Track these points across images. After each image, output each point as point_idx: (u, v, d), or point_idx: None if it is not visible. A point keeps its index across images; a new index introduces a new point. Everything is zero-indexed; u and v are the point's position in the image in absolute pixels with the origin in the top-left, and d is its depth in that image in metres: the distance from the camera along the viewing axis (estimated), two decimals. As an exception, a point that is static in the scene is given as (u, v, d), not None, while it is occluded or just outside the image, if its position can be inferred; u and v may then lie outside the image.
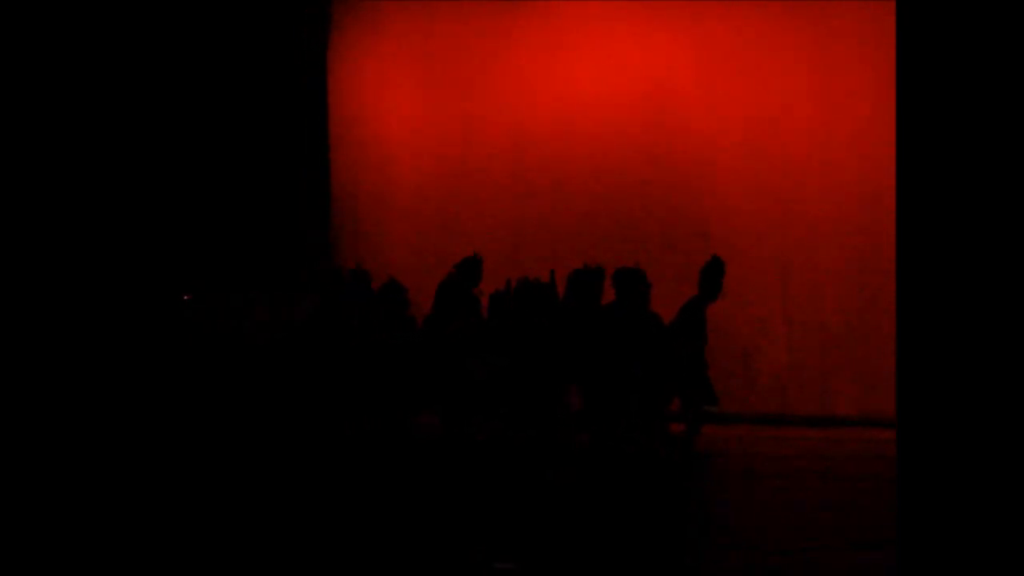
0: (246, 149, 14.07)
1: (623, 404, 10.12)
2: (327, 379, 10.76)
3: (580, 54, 13.32)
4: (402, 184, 14.15)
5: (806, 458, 10.34)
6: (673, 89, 12.99)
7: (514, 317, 10.55)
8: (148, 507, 7.98)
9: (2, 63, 10.89)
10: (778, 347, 12.54)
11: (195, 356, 11.25)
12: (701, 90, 12.88)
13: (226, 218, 13.88)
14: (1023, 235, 5.24)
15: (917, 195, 5.38)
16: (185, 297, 11.72)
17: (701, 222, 12.86)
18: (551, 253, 13.02)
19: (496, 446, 10.37)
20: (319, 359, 10.78)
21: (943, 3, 5.36)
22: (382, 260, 12.84)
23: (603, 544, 7.15)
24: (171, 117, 13.70)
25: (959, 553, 5.19)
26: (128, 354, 11.49)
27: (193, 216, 13.73)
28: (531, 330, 10.44)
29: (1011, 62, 5.27)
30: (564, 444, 10.34)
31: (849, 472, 9.78)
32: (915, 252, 5.38)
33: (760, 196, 12.73)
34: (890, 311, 11.63)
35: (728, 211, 12.79)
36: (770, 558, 6.86)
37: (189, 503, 8.14)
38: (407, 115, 14.14)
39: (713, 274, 10.33)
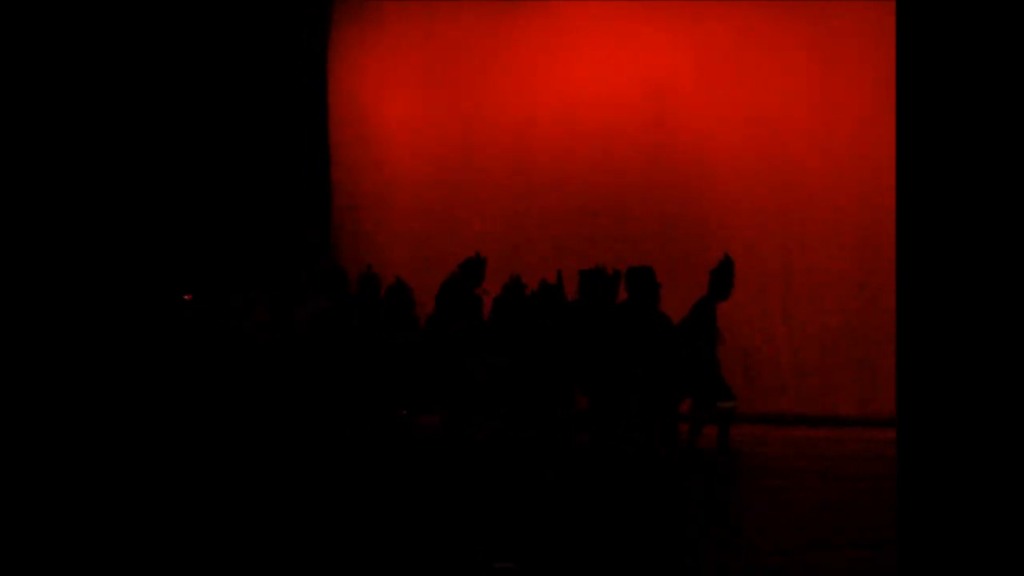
0: (246, 149, 14.07)
1: (623, 404, 10.11)
2: (328, 379, 10.76)
3: (581, 54, 13.33)
4: (402, 184, 14.16)
5: (806, 458, 10.34)
6: (673, 89, 13.00)
7: (517, 317, 10.55)
8: (148, 507, 7.99)
9: (2, 63, 10.89)
10: (778, 347, 12.54)
11: (196, 356, 11.24)
12: (701, 90, 12.89)
13: (226, 218, 13.88)
14: (1023, 235, 5.24)
15: (917, 195, 5.38)
16: (186, 297, 11.72)
17: (701, 221, 12.87)
18: (552, 252, 13.04)
19: (496, 446, 10.36)
20: (320, 359, 10.78)
21: (943, 3, 5.36)
22: (382, 260, 12.85)
23: (603, 544, 7.15)
24: (171, 117, 13.70)
25: (959, 553, 5.19)
26: (129, 354, 11.49)
27: (193, 216, 13.73)
28: (534, 330, 10.44)
29: (1011, 62, 5.27)
30: (564, 444, 10.34)
31: (849, 472, 9.78)
32: (915, 252, 5.38)
33: (760, 196, 12.74)
34: (890, 311, 11.63)
35: (728, 210, 12.80)
36: (770, 558, 6.85)
37: (189, 503, 8.15)
38: (407, 115, 14.15)
39: (723, 274, 10.33)
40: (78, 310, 11.88)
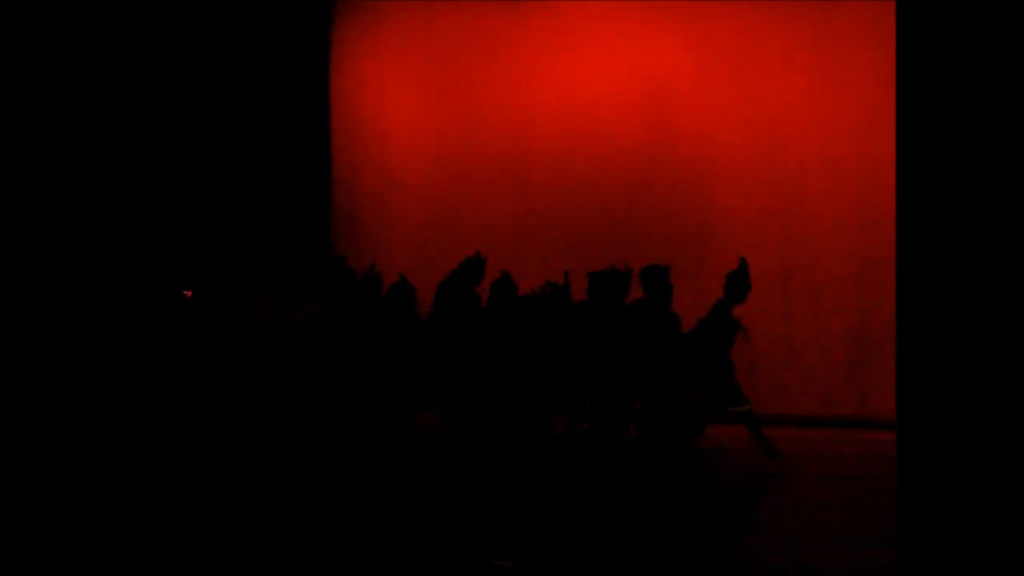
0: (247, 149, 14.08)
1: (626, 404, 10.11)
2: (328, 379, 10.76)
3: (581, 54, 13.34)
4: (403, 184, 14.17)
5: (806, 458, 10.34)
6: (673, 89, 13.00)
7: (511, 314, 10.55)
8: (148, 506, 7.99)
9: (4, 63, 10.90)
10: (778, 347, 12.53)
11: (195, 355, 11.24)
12: (701, 90, 12.89)
13: (227, 217, 13.89)
14: (1023, 235, 5.24)
15: (917, 195, 5.38)
16: (186, 293, 11.72)
17: (701, 222, 12.87)
18: (552, 252, 13.04)
19: (496, 446, 10.37)
20: (321, 359, 10.78)
21: (943, 3, 5.36)
22: (382, 260, 12.84)
23: (602, 544, 7.15)
24: (173, 117, 13.71)
25: (959, 553, 5.19)
26: (128, 353, 11.49)
27: (194, 215, 13.73)
28: (537, 331, 10.44)
29: (1011, 62, 5.28)
30: (565, 444, 10.34)
31: (849, 472, 9.78)
32: (915, 252, 5.38)
33: (760, 196, 12.74)
34: (889, 311, 11.64)
35: (728, 211, 12.80)
36: (771, 558, 6.85)
37: (189, 502, 8.15)
38: (408, 115, 14.15)
39: (739, 277, 10.31)
40: (78, 308, 11.88)
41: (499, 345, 10.54)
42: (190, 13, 13.69)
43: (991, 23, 5.29)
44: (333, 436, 10.72)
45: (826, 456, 10.54)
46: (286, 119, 14.21)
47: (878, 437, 11.02)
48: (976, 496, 5.21)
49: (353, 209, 14.38)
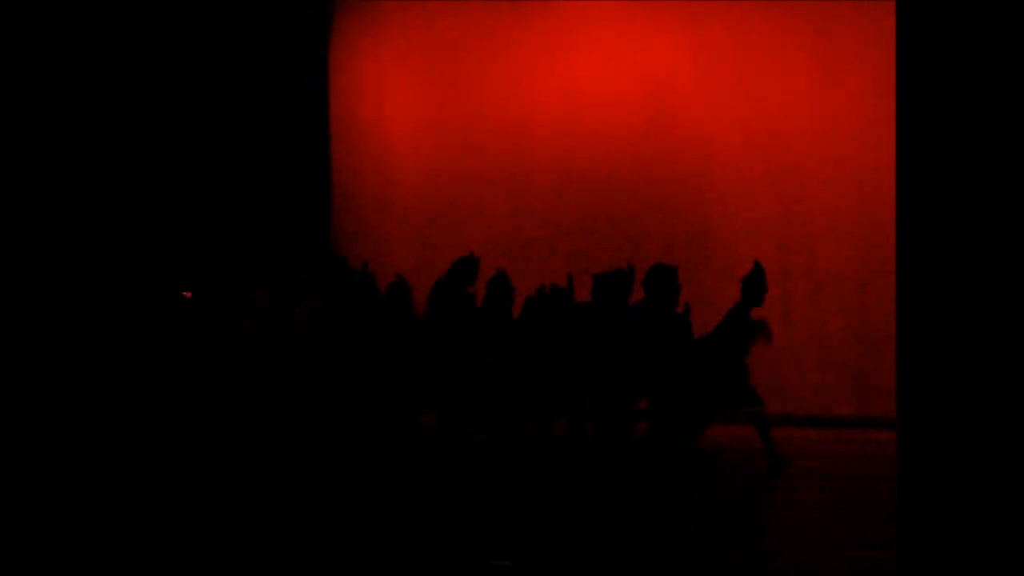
0: (247, 149, 14.07)
1: (627, 405, 10.11)
2: (328, 378, 10.76)
3: (580, 54, 13.34)
4: (403, 184, 14.17)
5: (805, 458, 10.34)
6: (673, 89, 13.00)
7: (508, 312, 10.55)
8: (148, 506, 7.99)
9: (3, 63, 10.89)
10: (777, 347, 12.52)
11: (195, 355, 11.24)
12: (701, 90, 12.89)
13: (226, 218, 13.88)
14: (1023, 235, 5.24)
15: (917, 195, 5.38)
16: (185, 294, 11.72)
17: (701, 222, 12.87)
18: (552, 252, 13.05)
19: (496, 446, 10.37)
20: (321, 359, 10.78)
21: (943, 3, 5.36)
22: (382, 260, 12.85)
23: (601, 543, 7.15)
24: (172, 117, 13.70)
25: (959, 553, 5.20)
26: (127, 353, 11.49)
27: (194, 216, 13.73)
28: (538, 332, 10.44)
29: (1011, 62, 5.28)
30: (565, 444, 10.34)
31: (849, 472, 9.79)
32: (915, 252, 5.38)
33: (760, 196, 12.74)
34: (889, 311, 11.64)
35: (728, 211, 12.80)
36: (770, 558, 6.86)
37: (188, 502, 8.15)
38: (408, 115, 14.16)
39: (755, 281, 10.28)
40: (78, 309, 11.88)
41: (498, 345, 10.53)
42: (189, 13, 13.69)
43: (991, 23, 5.29)
44: (333, 436, 10.72)
45: (826, 456, 10.55)
46: (285, 119, 14.21)
47: (877, 437, 11.03)
48: (976, 496, 5.21)
49: (353, 209, 14.38)
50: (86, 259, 12.49)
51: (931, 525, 5.24)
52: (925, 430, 5.33)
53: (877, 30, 11.91)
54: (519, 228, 13.52)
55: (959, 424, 5.28)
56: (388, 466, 9.75)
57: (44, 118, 12.08)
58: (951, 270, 5.31)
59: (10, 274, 10.52)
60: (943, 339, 5.31)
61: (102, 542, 7.02)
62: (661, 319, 10.10)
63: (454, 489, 8.80)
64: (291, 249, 13.66)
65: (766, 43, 12.70)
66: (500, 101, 13.66)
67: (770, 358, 12.42)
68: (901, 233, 5.44)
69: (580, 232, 13.18)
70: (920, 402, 5.34)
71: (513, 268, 11.14)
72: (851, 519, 7.88)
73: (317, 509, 8.00)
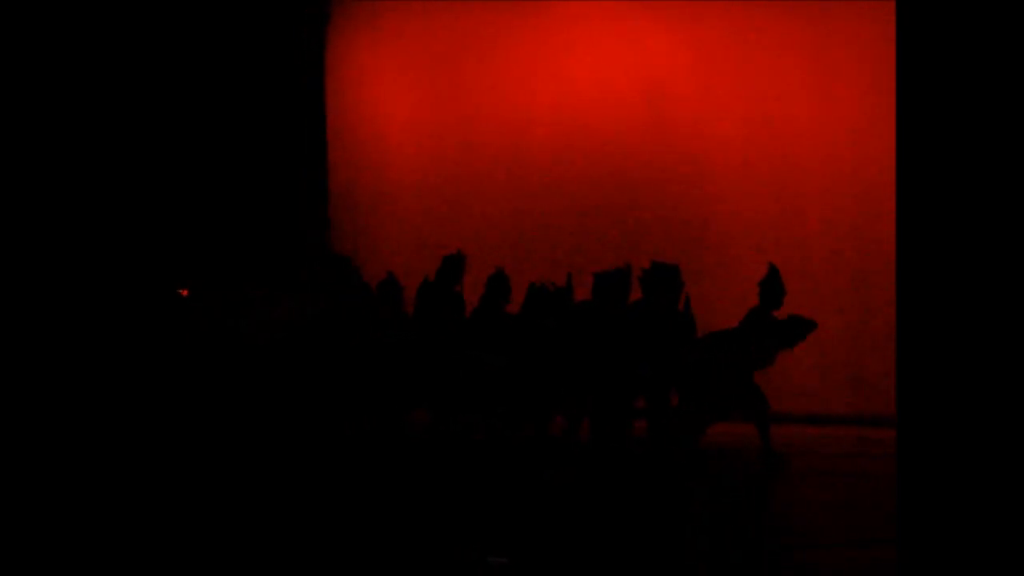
0: (244, 148, 14.08)
1: (626, 404, 10.12)
2: (328, 378, 10.76)
3: (578, 54, 13.35)
4: (400, 183, 14.18)
5: (804, 456, 10.36)
6: (670, 88, 13.02)
7: (505, 311, 10.56)
8: (147, 506, 7.99)
9: (1, 62, 10.90)
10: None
11: (193, 355, 11.24)
12: (698, 89, 12.91)
13: (223, 217, 13.88)
14: (1023, 235, 5.26)
15: (917, 195, 5.40)
16: (182, 293, 11.72)
17: (698, 221, 12.89)
18: (549, 252, 13.07)
19: (494, 445, 10.37)
20: (321, 358, 10.78)
21: (943, 3, 5.37)
22: (381, 259, 12.86)
23: (600, 542, 7.16)
24: (170, 117, 13.70)
25: (959, 552, 5.21)
26: (125, 352, 11.49)
27: (191, 214, 13.73)
28: (536, 331, 10.45)
29: (1011, 62, 5.29)
30: (563, 444, 10.35)
31: (848, 470, 9.80)
32: (915, 252, 5.40)
33: (757, 195, 12.76)
34: (886, 309, 11.66)
35: (725, 210, 12.82)
36: (770, 557, 6.87)
37: (187, 502, 8.15)
38: (405, 114, 14.17)
39: (772, 283, 10.27)
40: (76, 308, 11.88)
41: (496, 343, 10.54)
42: (186, 12, 13.69)
43: (991, 23, 5.31)
44: (333, 435, 10.72)
45: (825, 454, 10.56)
46: (283, 118, 14.21)
47: (875, 435, 11.05)
48: (976, 495, 5.23)
49: (350, 208, 14.39)
50: (83, 258, 12.49)
51: (931, 523, 5.26)
52: (925, 428, 5.34)
53: (875, 29, 11.92)
54: (517, 227, 13.53)
55: (959, 422, 5.29)
56: (386, 465, 9.76)
57: (43, 118, 12.08)
58: (951, 268, 5.33)
59: (7, 273, 10.53)
60: (943, 337, 5.33)
61: (101, 542, 7.02)
62: (663, 317, 10.11)
63: (451, 488, 8.80)
64: (288, 248, 13.67)
65: (763, 42, 12.72)
66: (497, 100, 13.68)
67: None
68: (901, 233, 5.46)
69: (579, 231, 13.19)
70: (920, 400, 5.36)
71: (511, 267, 11.15)
72: (851, 517, 7.88)
73: (315, 508, 8.01)
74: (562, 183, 13.38)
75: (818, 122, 12.54)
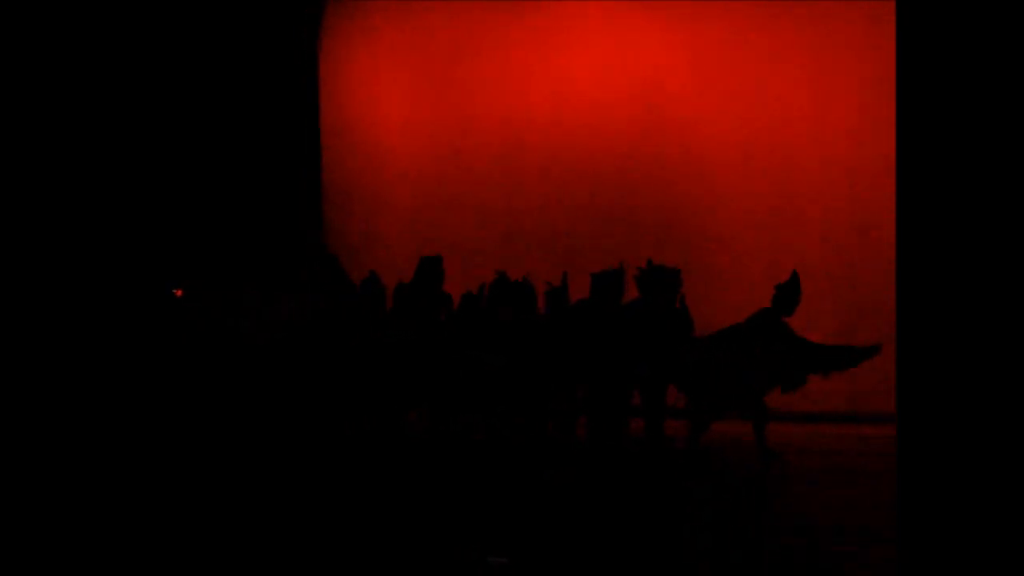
0: (237, 148, 14.06)
1: (624, 403, 10.13)
2: (329, 378, 10.76)
3: (574, 53, 13.35)
4: (394, 182, 14.17)
5: (803, 455, 10.38)
6: (666, 88, 13.03)
7: (511, 313, 10.56)
8: (145, 506, 7.99)
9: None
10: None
11: (190, 354, 11.23)
12: (696, 90, 12.92)
13: (217, 217, 13.87)
14: (1023, 234, 5.27)
15: (917, 194, 5.41)
16: (176, 293, 11.71)
17: (695, 222, 12.90)
18: (545, 252, 13.06)
19: (493, 445, 10.37)
20: (321, 358, 10.78)
21: (943, 3, 5.39)
22: (376, 259, 12.84)
23: (599, 542, 7.17)
24: (162, 116, 13.68)
25: (959, 549, 5.23)
26: (123, 353, 11.48)
27: (184, 214, 13.71)
28: (533, 330, 10.46)
29: (1011, 62, 5.31)
30: (563, 443, 10.35)
31: (845, 468, 9.82)
32: (915, 251, 5.41)
33: (752, 195, 12.77)
34: (883, 310, 11.68)
35: (722, 210, 12.84)
36: (769, 555, 6.88)
37: (186, 502, 8.15)
38: (399, 114, 14.15)
39: (790, 290, 10.26)
40: (71, 307, 11.86)
41: (493, 343, 10.55)
42: (179, 12, 13.67)
43: (991, 23, 5.32)
44: (333, 435, 10.72)
45: (824, 453, 10.58)
46: (276, 117, 14.19)
47: (872, 432, 11.08)
48: (976, 493, 5.24)
49: (345, 208, 14.37)
50: (78, 258, 12.47)
51: (931, 522, 5.27)
52: (925, 427, 5.36)
53: (870, 30, 11.95)
54: (513, 226, 13.53)
55: (959, 421, 5.31)
56: (385, 465, 9.76)
57: (36, 118, 12.06)
58: (951, 268, 5.34)
59: (4, 271, 10.51)
60: (942, 337, 5.34)
61: (100, 542, 7.02)
62: (660, 317, 10.12)
63: (451, 488, 8.81)
64: (282, 248, 13.65)
65: (758, 43, 12.73)
66: (493, 99, 13.67)
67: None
68: (901, 233, 5.47)
69: (574, 231, 13.19)
70: (920, 400, 5.38)
71: (507, 267, 11.15)
72: (851, 516, 7.90)
73: (315, 508, 8.01)
74: (558, 183, 13.38)
75: (816, 122, 12.56)
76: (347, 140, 14.37)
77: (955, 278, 5.33)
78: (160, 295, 11.83)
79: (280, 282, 11.47)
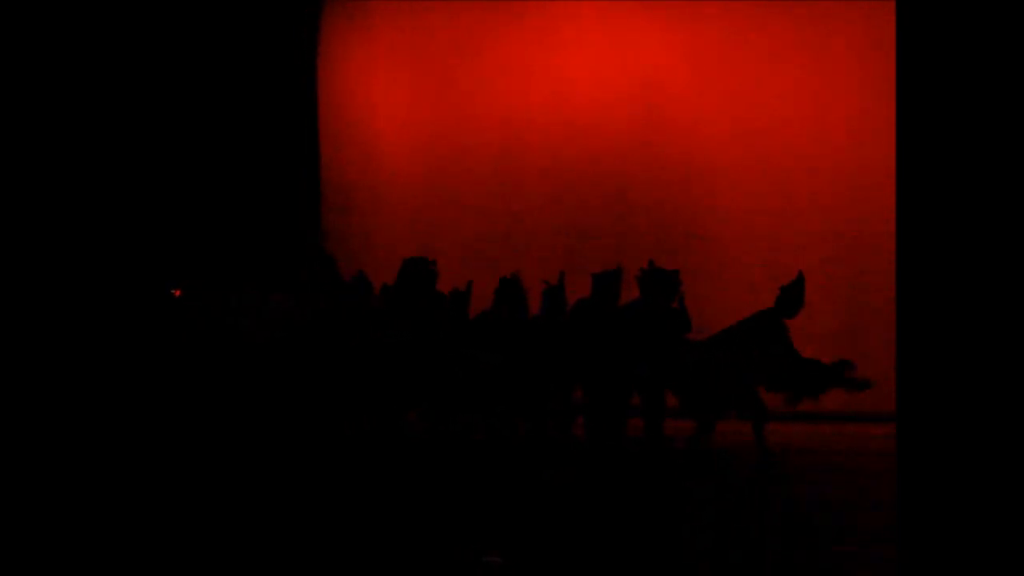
0: (236, 147, 14.04)
1: (623, 403, 10.13)
2: (329, 378, 10.75)
3: (572, 52, 13.35)
4: (393, 182, 14.15)
5: (803, 455, 10.38)
6: (667, 89, 13.03)
7: (513, 314, 10.56)
8: (144, 507, 7.98)
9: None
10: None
11: (190, 354, 11.23)
12: (694, 90, 12.93)
13: (215, 216, 13.85)
14: (1023, 233, 5.27)
15: (917, 194, 5.41)
16: (174, 293, 11.70)
17: (694, 222, 12.90)
18: (543, 251, 13.05)
19: (492, 444, 10.37)
20: (322, 358, 10.77)
21: (943, 3, 5.39)
22: (374, 259, 12.84)
23: (598, 542, 7.17)
24: (160, 117, 13.67)
25: (959, 548, 5.22)
26: (121, 353, 11.48)
27: (183, 214, 13.70)
28: (530, 329, 10.46)
29: (1011, 61, 5.31)
30: (561, 443, 10.35)
31: (846, 468, 9.81)
32: (915, 251, 5.41)
33: (750, 194, 12.77)
34: (881, 309, 11.68)
35: (719, 210, 12.84)
36: (768, 555, 6.88)
37: (186, 502, 8.15)
38: (398, 113, 14.14)
39: (795, 291, 10.25)
40: (70, 307, 11.86)
41: (491, 343, 10.54)
42: (178, 11, 13.66)
43: (991, 23, 5.32)
44: (332, 435, 10.71)
45: (824, 452, 10.58)
46: (275, 117, 14.17)
47: (871, 432, 11.08)
48: (976, 492, 5.24)
49: (343, 208, 14.36)
50: (78, 258, 12.46)
51: (931, 522, 5.27)
52: (925, 427, 5.36)
53: (871, 29, 11.95)
54: (510, 227, 13.53)
55: (959, 420, 5.31)
56: (383, 464, 9.76)
57: (37, 118, 12.06)
58: (951, 268, 5.34)
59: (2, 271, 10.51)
60: (943, 337, 5.34)
61: (99, 542, 7.02)
62: (660, 317, 10.12)
63: (450, 488, 8.81)
64: (281, 248, 13.64)
65: (757, 43, 12.74)
66: (492, 100, 13.67)
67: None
68: (901, 233, 5.47)
69: (572, 230, 13.19)
70: (920, 399, 5.38)
71: (505, 267, 11.15)
72: (850, 516, 7.90)
73: (314, 508, 8.01)
74: (556, 183, 13.38)
75: (811, 121, 12.56)
76: (346, 140, 14.36)
77: (955, 278, 5.33)
78: (159, 295, 11.83)
79: (279, 282, 11.46)
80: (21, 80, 11.65)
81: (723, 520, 7.86)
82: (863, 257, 12.33)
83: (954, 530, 5.23)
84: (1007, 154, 5.30)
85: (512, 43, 13.59)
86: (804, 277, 10.34)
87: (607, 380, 10.10)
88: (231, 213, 13.86)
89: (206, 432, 10.63)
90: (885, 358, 11.10)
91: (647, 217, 13.08)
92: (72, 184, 12.69)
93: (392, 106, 14.18)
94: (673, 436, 10.13)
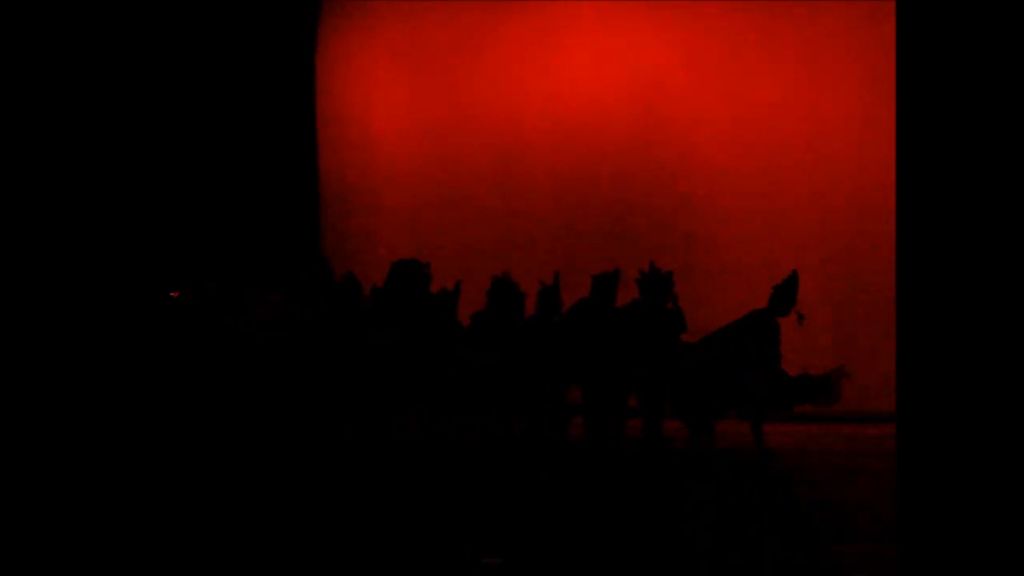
0: (234, 148, 14.04)
1: (621, 404, 10.14)
2: (329, 378, 10.76)
3: (571, 53, 13.35)
4: (391, 183, 14.16)
5: (802, 455, 10.39)
6: (666, 89, 13.03)
7: (507, 314, 10.56)
8: (143, 507, 7.98)
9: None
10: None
11: (190, 354, 11.24)
12: (692, 90, 12.93)
13: (214, 217, 13.86)
14: (1023, 233, 5.27)
15: (917, 194, 5.41)
16: (173, 294, 11.70)
17: (692, 222, 12.90)
18: (542, 251, 13.06)
19: (489, 446, 10.37)
20: (322, 358, 10.78)
21: (943, 3, 5.39)
22: (372, 260, 12.84)
23: (596, 542, 7.17)
24: (158, 116, 13.67)
25: (959, 548, 5.23)
26: (120, 353, 11.48)
27: (181, 215, 13.70)
28: (527, 329, 10.46)
29: (1011, 61, 5.31)
30: (559, 443, 10.35)
31: (846, 468, 9.82)
32: (915, 251, 5.41)
33: (749, 194, 12.78)
34: (880, 309, 11.68)
35: (718, 211, 12.84)
36: (768, 555, 6.88)
37: (185, 502, 8.15)
38: (396, 114, 14.14)
39: (788, 290, 10.26)
40: (69, 308, 11.86)
41: (484, 343, 10.54)
42: (176, 11, 13.66)
43: (991, 23, 5.32)
44: (331, 436, 10.72)
45: (821, 452, 10.59)
46: (273, 118, 14.18)
47: (870, 432, 11.08)
48: (976, 492, 5.24)
49: (342, 209, 14.36)
50: (77, 258, 12.47)
51: (931, 522, 5.27)
52: (925, 427, 5.36)
53: (867, 29, 11.96)
54: (509, 227, 13.53)
55: (958, 420, 5.31)
56: (382, 465, 9.76)
57: (37, 118, 12.05)
58: (950, 268, 5.34)
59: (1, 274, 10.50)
60: (942, 337, 5.34)
61: (99, 542, 7.01)
62: (657, 318, 10.14)
63: (447, 489, 8.81)
64: (279, 248, 13.64)
65: (756, 42, 12.74)
66: (490, 100, 13.67)
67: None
68: (901, 233, 5.47)
69: (570, 230, 13.19)
70: (920, 399, 5.38)
71: (503, 267, 11.16)
72: (851, 516, 7.90)
73: (313, 508, 8.01)
74: (555, 183, 13.38)
75: (810, 121, 12.57)
76: (345, 140, 14.36)
77: (955, 277, 5.33)
78: (158, 296, 11.83)
79: (278, 283, 11.47)
80: (21, 80, 11.64)
81: (723, 520, 7.86)
82: (862, 257, 12.34)
83: (954, 530, 5.23)
84: (1007, 154, 5.30)
85: (512, 43, 13.60)
86: (797, 275, 10.34)
87: (606, 381, 10.11)
88: (230, 214, 13.86)
89: (205, 431, 10.63)
90: (885, 358, 11.14)
91: (646, 217, 13.08)
92: (72, 185, 12.69)
93: (391, 106, 14.18)
94: (673, 436, 10.14)
